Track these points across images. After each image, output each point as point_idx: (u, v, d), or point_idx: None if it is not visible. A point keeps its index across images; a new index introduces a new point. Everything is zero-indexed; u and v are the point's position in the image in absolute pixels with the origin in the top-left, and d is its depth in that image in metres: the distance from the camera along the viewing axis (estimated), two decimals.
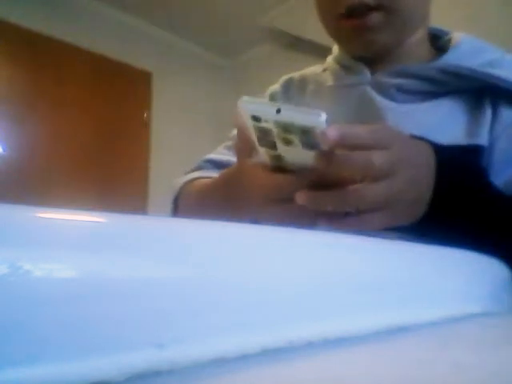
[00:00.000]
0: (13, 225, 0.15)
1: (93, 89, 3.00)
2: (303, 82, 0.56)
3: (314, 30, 2.18)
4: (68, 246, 0.16)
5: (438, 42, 0.51)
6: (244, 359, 0.18)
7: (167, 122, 3.40)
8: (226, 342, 0.18)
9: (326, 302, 0.23)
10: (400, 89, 0.42)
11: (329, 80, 0.51)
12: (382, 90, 0.43)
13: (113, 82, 3.12)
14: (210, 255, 0.20)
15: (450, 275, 0.33)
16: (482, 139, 0.41)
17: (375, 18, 0.40)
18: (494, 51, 0.46)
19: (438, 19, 0.50)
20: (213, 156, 0.60)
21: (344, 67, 0.49)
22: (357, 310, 0.25)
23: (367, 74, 0.45)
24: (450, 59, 0.44)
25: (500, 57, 0.46)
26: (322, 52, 2.16)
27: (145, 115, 3.27)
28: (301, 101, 0.52)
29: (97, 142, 2.98)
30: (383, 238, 0.29)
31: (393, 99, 0.42)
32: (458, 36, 0.49)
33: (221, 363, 0.18)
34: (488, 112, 0.42)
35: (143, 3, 2.62)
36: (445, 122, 0.42)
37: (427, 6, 0.46)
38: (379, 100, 0.42)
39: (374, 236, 0.29)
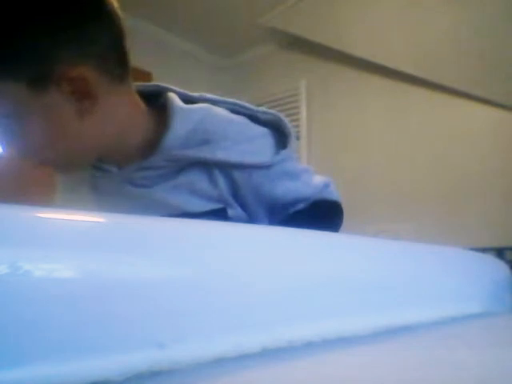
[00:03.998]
0: (13, 225, 0.15)
1: None
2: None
3: (314, 30, 2.18)
4: (68, 245, 0.16)
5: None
6: (244, 359, 0.18)
7: None
8: (226, 342, 0.18)
9: (326, 302, 0.23)
10: (143, 178, 0.54)
11: (95, 174, 0.66)
12: (131, 181, 0.55)
13: None
14: (210, 256, 0.20)
15: (451, 275, 0.33)
16: (225, 202, 0.53)
17: (31, 160, 0.51)
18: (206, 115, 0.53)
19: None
20: None
21: (99, 168, 0.63)
22: (357, 310, 0.25)
23: (115, 170, 0.58)
24: (170, 143, 0.52)
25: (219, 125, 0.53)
26: (322, 52, 2.15)
27: None
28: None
29: None
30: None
31: (141, 186, 0.54)
32: (172, 106, 0.53)
33: (221, 363, 0.18)
34: (221, 179, 0.52)
35: (143, 3, 2.63)
36: (192, 193, 0.53)
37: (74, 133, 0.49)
38: (130, 189, 0.54)
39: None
